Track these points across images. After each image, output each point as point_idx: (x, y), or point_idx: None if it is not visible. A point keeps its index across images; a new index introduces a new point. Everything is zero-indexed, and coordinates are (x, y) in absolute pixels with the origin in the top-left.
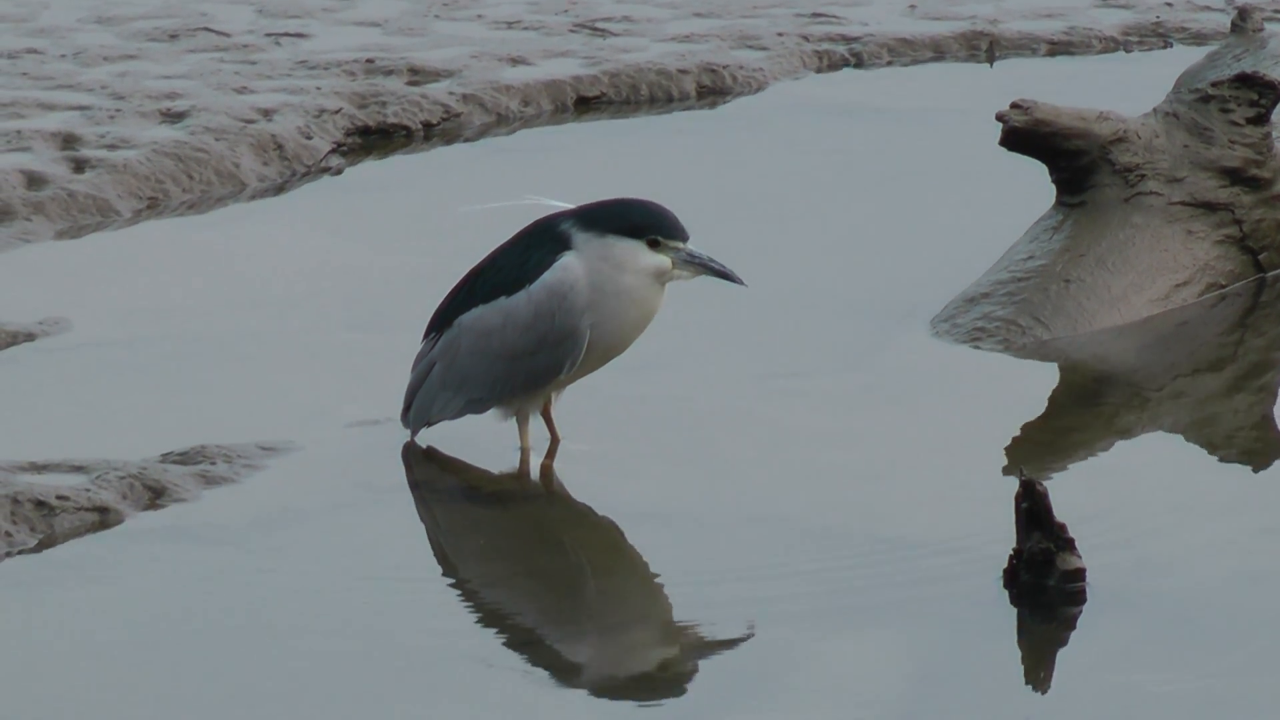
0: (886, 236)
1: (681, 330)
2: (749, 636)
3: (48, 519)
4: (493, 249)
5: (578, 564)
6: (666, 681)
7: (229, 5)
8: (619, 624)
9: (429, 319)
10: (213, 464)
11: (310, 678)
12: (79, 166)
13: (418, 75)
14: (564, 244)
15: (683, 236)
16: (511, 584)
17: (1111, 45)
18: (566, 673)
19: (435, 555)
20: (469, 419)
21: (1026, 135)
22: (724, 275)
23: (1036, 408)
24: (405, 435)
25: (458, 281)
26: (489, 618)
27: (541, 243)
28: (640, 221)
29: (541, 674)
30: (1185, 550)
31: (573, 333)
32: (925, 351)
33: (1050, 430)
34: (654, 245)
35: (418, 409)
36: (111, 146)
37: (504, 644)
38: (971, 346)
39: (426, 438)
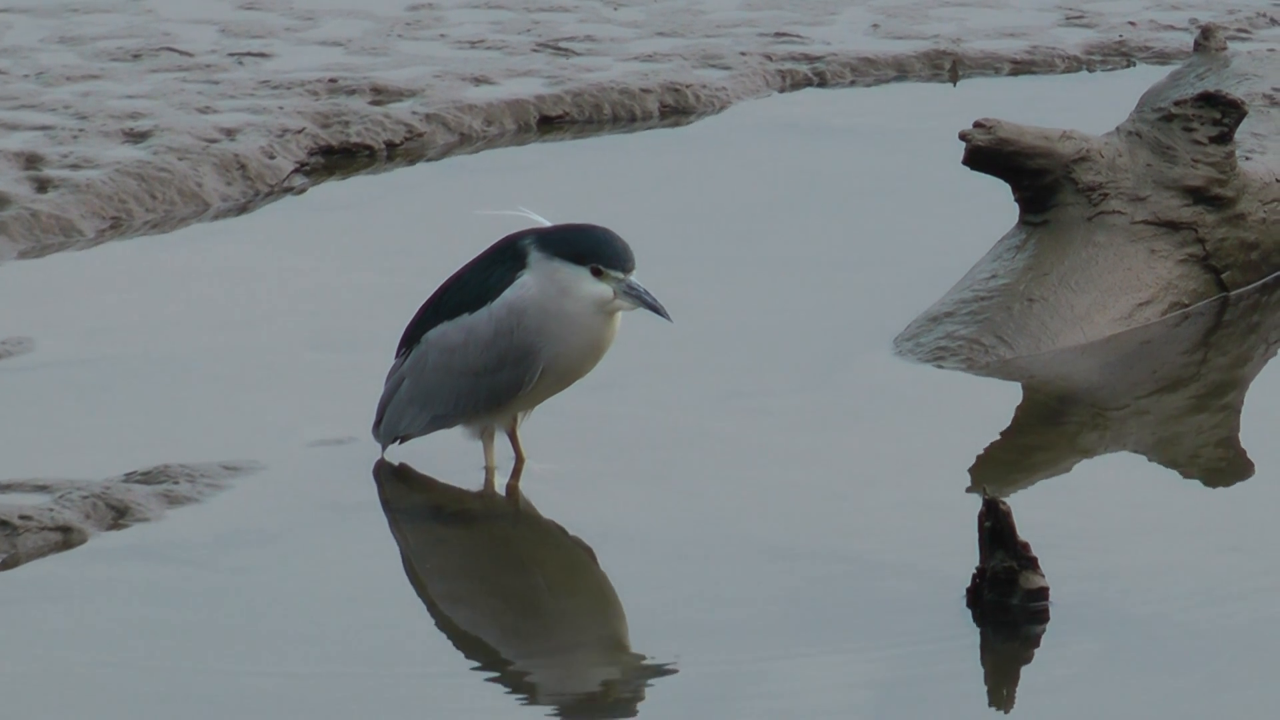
0: (850, 255)
1: (645, 349)
2: (710, 657)
3: (10, 538)
4: (459, 266)
5: (541, 583)
6: (626, 702)
7: (192, 25)
8: (580, 644)
9: (401, 334)
10: (176, 483)
11: (273, 696)
12: (42, 186)
13: (381, 95)
14: (522, 262)
15: (624, 267)
16: (474, 603)
17: (1074, 64)
18: (527, 692)
19: (399, 574)
20: (437, 437)
21: (990, 154)
22: (654, 309)
23: (999, 426)
24: (369, 454)
25: (428, 297)
26: (452, 636)
27: (503, 260)
28: (585, 249)
29: (502, 694)
30: (1148, 569)
31: (530, 350)
32: (888, 370)
33: (1013, 449)
34: (597, 274)
35: (387, 423)
36: (75, 166)
37: (466, 663)
38: (935, 365)
39: (396, 454)
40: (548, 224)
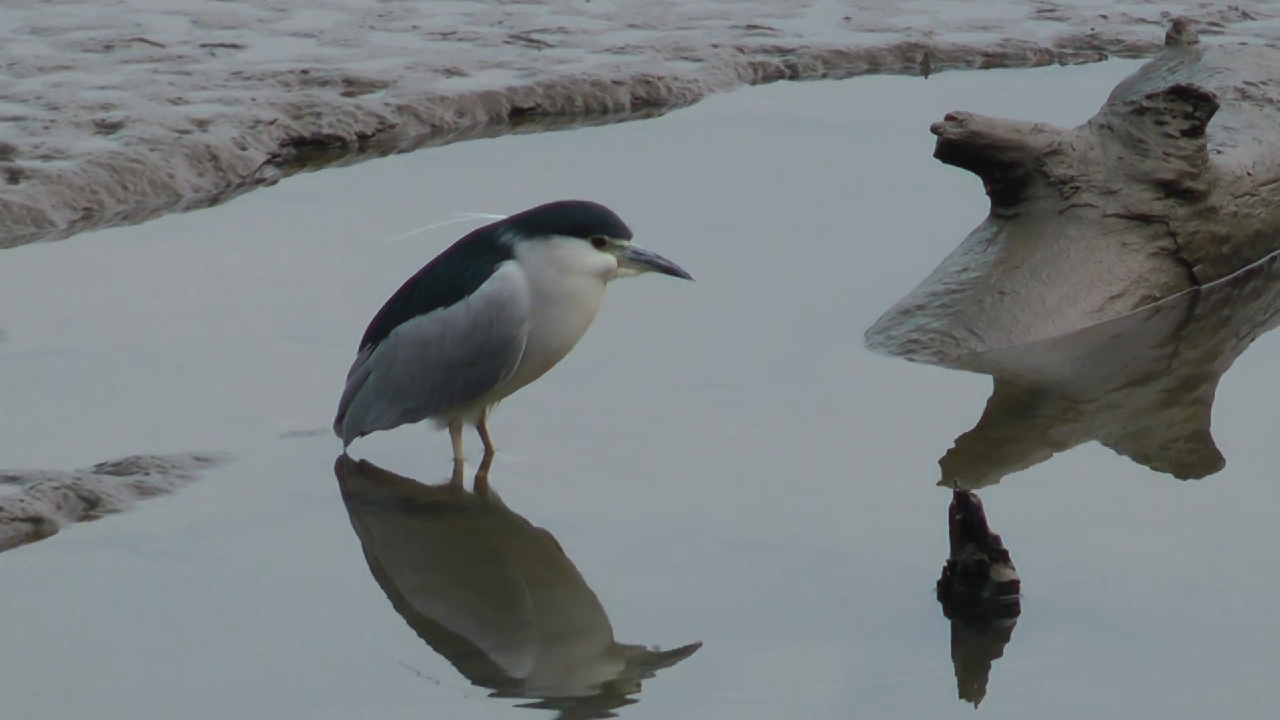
0: (821, 248)
1: (616, 341)
2: (682, 649)
3: None
4: (429, 260)
5: (512, 575)
6: (599, 694)
7: (164, 16)
8: (552, 636)
9: (365, 330)
10: (147, 474)
11: (244, 688)
12: (14, 177)
13: (353, 86)
14: (504, 254)
15: (627, 234)
16: (446, 595)
17: (1046, 58)
18: (500, 685)
19: (370, 566)
20: (403, 430)
21: (961, 147)
22: (671, 271)
23: (971, 420)
24: (339, 445)
25: (394, 293)
26: (423, 629)
27: (480, 253)
28: (585, 221)
29: (475, 686)
30: (1119, 562)
31: (510, 342)
32: (859, 363)
33: (984, 442)
34: (599, 244)
35: (351, 418)
36: (46, 157)
37: (438, 655)
38: (906, 358)
39: (360, 449)
40: (499, 218)
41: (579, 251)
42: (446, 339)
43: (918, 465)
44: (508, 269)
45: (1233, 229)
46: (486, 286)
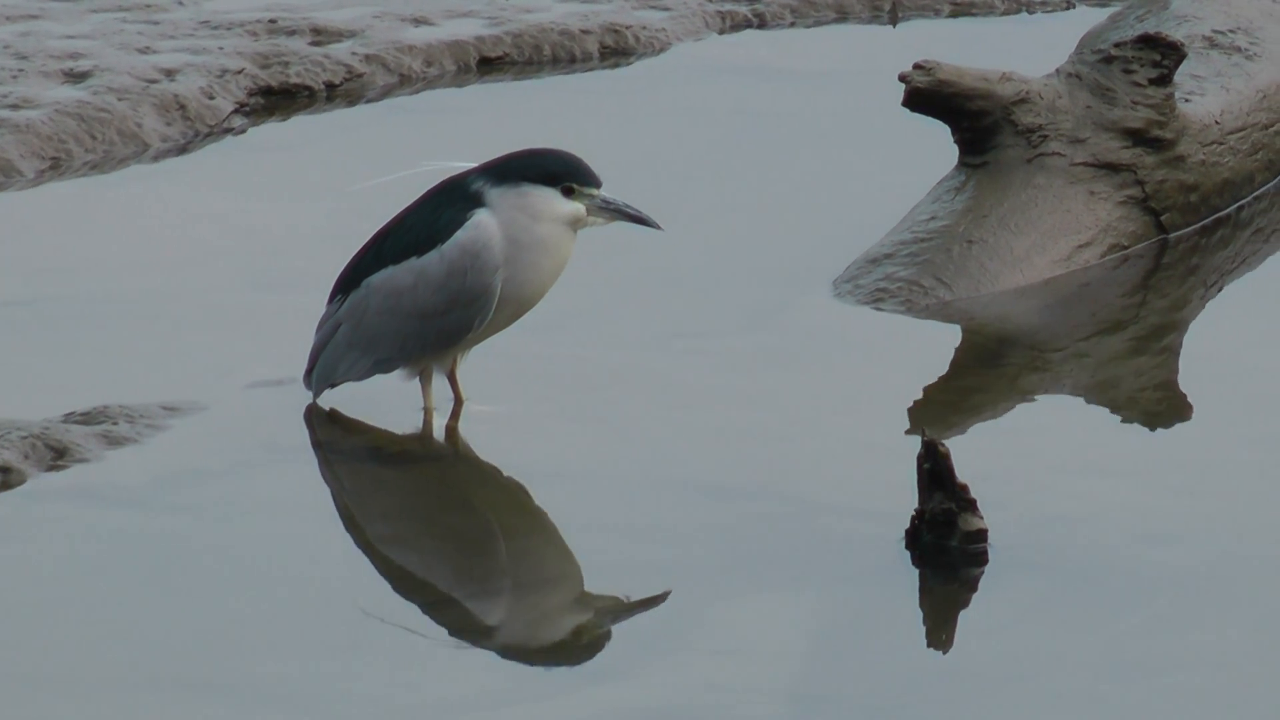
0: (789, 197)
1: (585, 290)
2: (651, 598)
3: None
4: (400, 210)
5: (482, 524)
6: (570, 642)
7: None
8: (523, 585)
9: (334, 281)
10: (115, 424)
11: (215, 638)
12: None
13: (320, 35)
14: (476, 201)
15: (596, 183)
16: (416, 544)
17: (1014, 6)
18: (471, 633)
19: (340, 515)
20: (372, 379)
21: (929, 96)
22: (640, 220)
23: (939, 368)
24: (309, 396)
25: (364, 243)
26: (393, 577)
27: (452, 201)
28: (554, 169)
29: (445, 634)
30: (1087, 511)
31: (485, 290)
32: (827, 312)
33: (952, 391)
34: (568, 193)
35: (321, 370)
36: (14, 106)
37: (408, 604)
38: (874, 307)
39: (329, 399)
40: (469, 165)
41: (549, 199)
42: (420, 288)
43: (885, 414)
44: (481, 217)
45: (1200, 177)
46: (460, 235)
